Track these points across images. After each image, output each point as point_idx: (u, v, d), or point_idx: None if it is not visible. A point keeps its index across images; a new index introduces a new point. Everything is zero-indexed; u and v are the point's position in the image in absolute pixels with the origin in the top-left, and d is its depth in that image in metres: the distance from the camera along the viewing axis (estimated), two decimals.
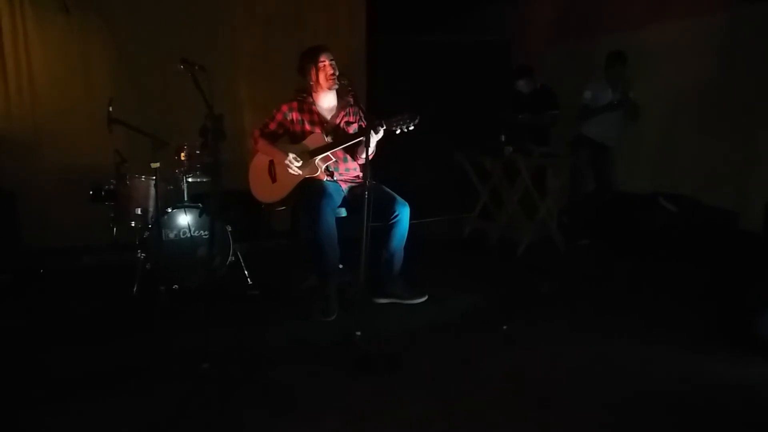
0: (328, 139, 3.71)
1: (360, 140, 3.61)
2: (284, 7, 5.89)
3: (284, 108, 3.85)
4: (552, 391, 2.73)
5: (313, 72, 3.73)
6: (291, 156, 3.66)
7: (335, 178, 3.80)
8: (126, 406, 2.60)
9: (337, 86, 3.75)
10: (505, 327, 3.45)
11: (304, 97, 3.84)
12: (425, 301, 3.84)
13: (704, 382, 2.83)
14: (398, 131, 3.43)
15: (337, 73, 3.69)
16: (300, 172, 3.68)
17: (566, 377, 2.87)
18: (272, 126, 3.88)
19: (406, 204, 3.68)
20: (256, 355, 3.13)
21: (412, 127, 3.43)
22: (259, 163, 3.97)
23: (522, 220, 5.56)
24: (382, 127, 3.44)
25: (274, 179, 3.86)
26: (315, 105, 3.84)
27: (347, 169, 3.85)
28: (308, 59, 3.76)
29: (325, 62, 3.71)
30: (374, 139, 3.49)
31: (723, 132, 5.26)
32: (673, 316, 3.70)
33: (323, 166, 3.68)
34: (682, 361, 3.04)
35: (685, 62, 5.57)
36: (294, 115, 3.82)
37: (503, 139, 5.54)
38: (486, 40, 7.23)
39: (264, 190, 3.93)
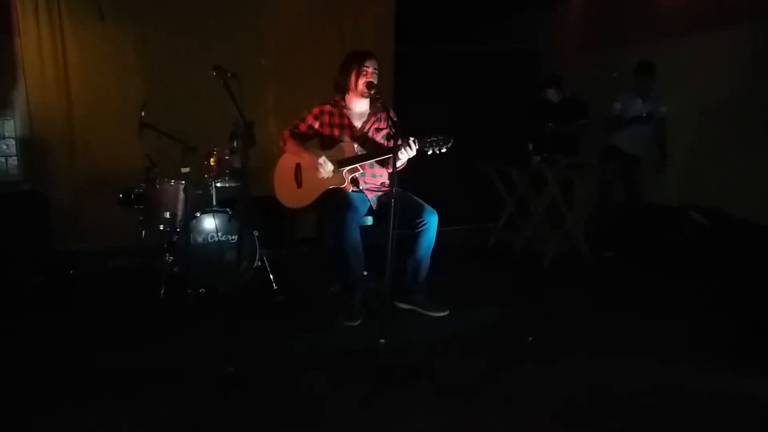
0: (358, 150, 3.69)
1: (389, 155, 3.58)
2: (313, 15, 5.93)
3: (315, 110, 3.86)
4: (574, 407, 2.69)
5: (354, 74, 3.72)
6: (323, 158, 3.65)
7: (360, 187, 3.80)
8: (150, 410, 2.62)
9: (369, 96, 3.74)
10: (530, 338, 3.42)
11: (337, 100, 3.85)
12: (449, 312, 3.81)
13: (732, 401, 2.76)
14: (430, 152, 3.42)
15: (375, 83, 3.66)
16: (330, 175, 3.67)
17: (590, 393, 2.83)
18: (302, 127, 3.87)
19: (435, 212, 3.67)
20: (281, 361, 3.14)
21: (444, 150, 3.41)
22: (285, 165, 3.96)
23: (548, 230, 5.51)
24: (415, 145, 3.42)
25: (299, 184, 3.86)
26: (347, 109, 3.84)
27: (374, 176, 3.85)
28: (354, 60, 3.74)
29: (369, 69, 3.69)
30: (405, 156, 3.47)
31: (753, 144, 5.18)
32: (699, 332, 3.61)
33: (350, 177, 3.68)
34: (707, 379, 2.97)
35: (714, 72, 5.50)
36: (325, 118, 3.83)
37: (531, 149, 5.51)
38: (514, 50, 7.23)
39: (288, 195, 3.93)
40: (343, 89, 3.82)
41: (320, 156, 3.66)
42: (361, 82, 3.70)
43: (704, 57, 5.58)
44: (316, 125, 3.85)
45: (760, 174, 5.10)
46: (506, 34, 7.74)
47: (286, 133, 3.89)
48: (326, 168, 3.64)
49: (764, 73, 5.08)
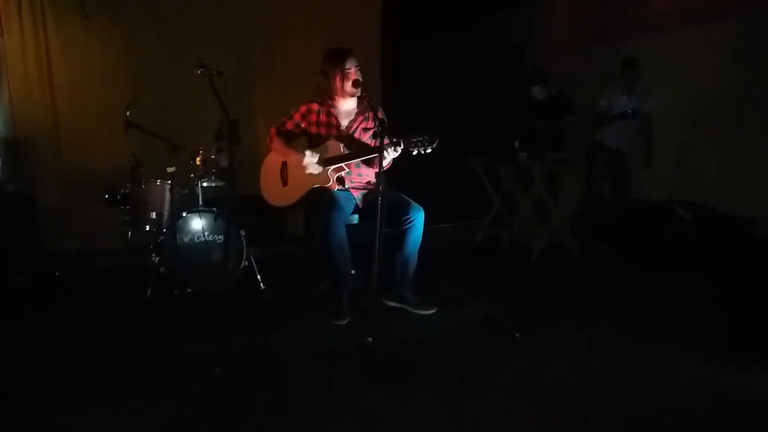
0: (344, 150, 3.68)
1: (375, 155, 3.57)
2: (299, 13, 5.92)
3: (303, 109, 3.82)
4: (564, 401, 2.70)
5: (338, 78, 3.67)
6: (308, 151, 3.63)
7: (346, 186, 3.79)
8: (138, 410, 2.61)
9: (359, 94, 3.71)
10: (517, 335, 3.43)
11: (325, 99, 3.81)
12: (437, 309, 3.80)
13: (722, 393, 2.78)
14: (415, 152, 3.39)
15: (357, 79, 3.63)
16: (318, 169, 3.64)
17: (579, 387, 2.84)
18: (289, 125, 3.84)
19: (421, 209, 3.66)
20: (269, 360, 3.13)
21: (429, 150, 3.38)
22: (271, 163, 3.94)
23: (535, 226, 5.54)
24: (400, 146, 3.40)
25: (285, 183, 3.85)
26: (334, 108, 3.81)
27: (360, 175, 3.84)
28: (334, 64, 3.68)
29: (351, 69, 3.65)
30: (390, 156, 3.46)
31: (739, 139, 5.22)
32: (688, 325, 3.64)
33: (335, 176, 3.67)
34: (698, 372, 2.99)
35: (701, 68, 5.53)
36: (312, 117, 3.80)
37: (517, 145, 5.53)
38: (501, 45, 7.25)
39: (274, 193, 3.91)
40: (329, 93, 3.77)
41: (304, 153, 3.64)
42: (348, 84, 3.66)
43: (692, 53, 5.61)
44: (303, 124, 3.83)
45: (747, 169, 5.14)
46: (494, 30, 7.76)
47: (273, 130, 3.85)
48: (312, 163, 3.62)
49: (752, 68, 5.11)
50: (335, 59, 3.70)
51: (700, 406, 2.68)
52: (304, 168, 3.64)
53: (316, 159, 3.64)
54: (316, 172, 3.64)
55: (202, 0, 5.57)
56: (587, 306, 4.05)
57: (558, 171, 5.44)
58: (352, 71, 3.66)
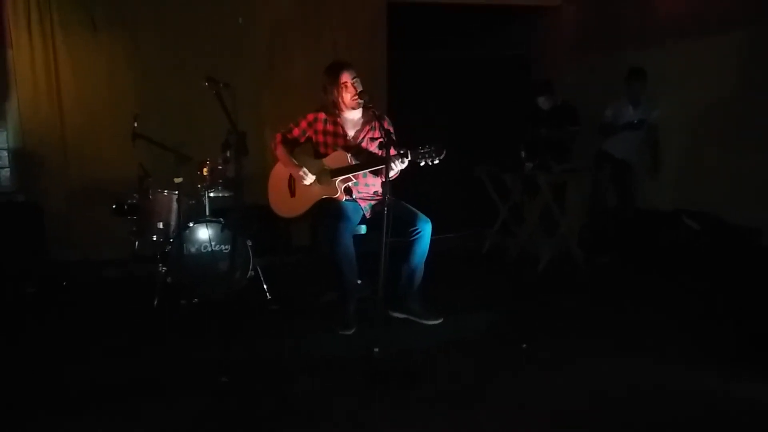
0: (351, 160, 3.69)
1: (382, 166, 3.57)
2: (306, 24, 5.95)
3: (310, 117, 3.84)
4: (569, 411, 2.69)
5: (336, 92, 3.70)
6: (303, 169, 3.69)
7: (354, 196, 3.80)
8: (144, 419, 2.62)
9: (361, 105, 3.73)
10: (524, 345, 3.42)
11: (332, 109, 3.81)
12: (443, 319, 3.79)
13: (728, 402, 2.77)
14: (423, 163, 3.38)
15: (360, 90, 3.64)
16: (311, 182, 3.69)
17: (586, 398, 2.83)
18: (296, 132, 3.85)
19: (428, 220, 3.67)
20: (275, 369, 3.14)
21: (437, 161, 3.36)
22: (279, 174, 3.95)
23: (542, 235, 5.53)
24: (407, 157, 3.39)
25: (292, 194, 3.86)
26: (340, 118, 3.81)
27: (367, 185, 3.84)
28: (330, 80, 3.71)
29: (347, 82, 3.66)
30: (397, 168, 3.46)
31: (745, 148, 5.20)
32: (695, 335, 3.62)
33: (343, 187, 3.68)
34: (705, 382, 2.98)
35: (706, 78, 5.52)
36: (319, 126, 3.81)
37: (523, 155, 5.53)
38: (507, 56, 7.26)
39: (282, 204, 3.93)
40: (332, 106, 3.78)
41: (301, 168, 3.70)
42: (348, 96, 3.68)
43: (697, 62, 5.60)
44: (309, 132, 3.84)
45: (754, 178, 5.12)
46: (500, 40, 7.77)
47: (279, 137, 3.87)
48: (308, 179, 3.69)
49: (759, 77, 5.10)
50: (331, 75, 3.73)
51: (707, 415, 2.67)
52: (302, 179, 3.67)
53: (311, 178, 3.68)
54: (308, 183, 3.69)
55: (209, 12, 5.60)
56: (593, 315, 4.04)
57: (565, 180, 5.44)
58: (349, 83, 3.67)
